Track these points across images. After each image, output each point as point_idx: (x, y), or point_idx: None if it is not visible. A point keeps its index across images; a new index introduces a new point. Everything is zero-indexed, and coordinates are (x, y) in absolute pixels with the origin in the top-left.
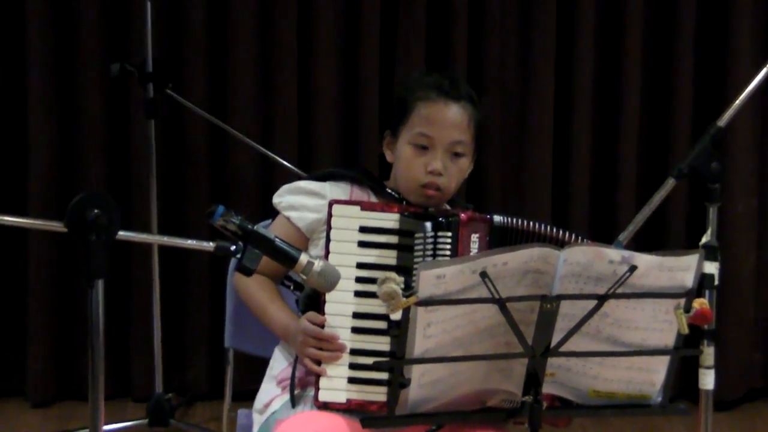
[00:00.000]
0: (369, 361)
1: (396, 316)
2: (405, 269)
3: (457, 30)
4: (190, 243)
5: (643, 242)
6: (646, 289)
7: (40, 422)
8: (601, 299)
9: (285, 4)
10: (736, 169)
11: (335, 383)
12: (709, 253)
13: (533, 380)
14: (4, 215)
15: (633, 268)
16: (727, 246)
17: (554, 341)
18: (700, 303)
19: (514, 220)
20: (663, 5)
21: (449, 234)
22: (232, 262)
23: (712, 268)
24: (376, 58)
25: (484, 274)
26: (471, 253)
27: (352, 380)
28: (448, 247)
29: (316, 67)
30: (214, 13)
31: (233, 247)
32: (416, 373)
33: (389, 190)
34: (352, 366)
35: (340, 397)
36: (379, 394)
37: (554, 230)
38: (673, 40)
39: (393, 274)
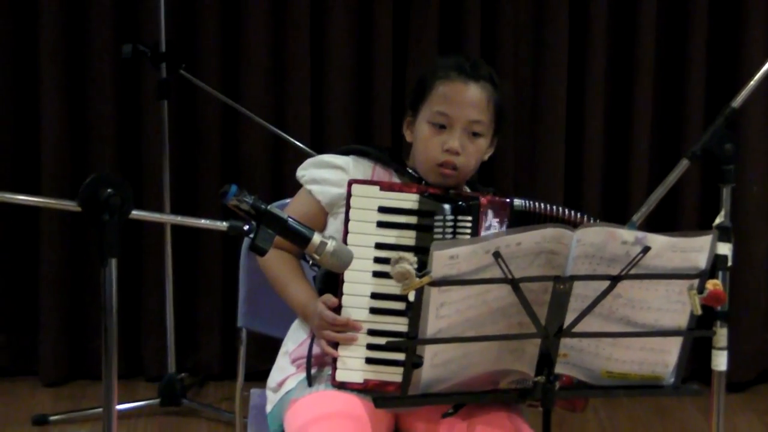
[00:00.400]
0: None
1: (410, 296)
2: (424, 250)
3: (471, 17)
4: (203, 222)
5: (657, 223)
6: (660, 270)
7: (52, 402)
8: (615, 280)
9: None
10: (750, 150)
11: (353, 363)
12: (723, 234)
13: (546, 361)
14: (18, 194)
15: (646, 249)
16: (740, 227)
17: (567, 322)
18: (714, 284)
19: (534, 204)
20: None
21: (469, 218)
22: (245, 241)
23: (725, 249)
24: (390, 43)
25: (497, 255)
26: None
27: (369, 360)
28: (468, 230)
29: (329, 48)
30: None
31: (246, 227)
32: (429, 354)
33: (409, 170)
34: (370, 346)
35: (358, 378)
36: (396, 375)
37: (574, 214)
38: (686, 22)
39: (407, 254)
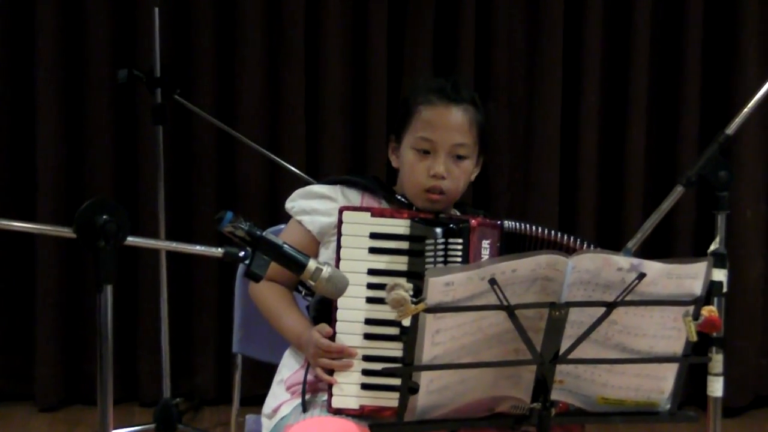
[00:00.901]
0: (381, 367)
1: (405, 322)
2: (416, 275)
3: (465, 37)
4: (199, 249)
5: (652, 250)
6: (655, 296)
7: (48, 427)
8: (610, 306)
9: (292, 11)
10: (744, 176)
11: (349, 389)
12: (718, 261)
13: (542, 387)
14: (13, 221)
15: (641, 276)
16: (735, 253)
17: (563, 348)
18: (709, 311)
19: (525, 226)
20: (670, 13)
21: (460, 240)
22: (241, 268)
23: (720, 275)
24: (384, 64)
25: (492, 281)
26: (482, 259)
27: (365, 386)
28: (459, 253)
29: (323, 73)
30: (221, 19)
31: (242, 253)
32: (425, 380)
33: (398, 197)
34: (365, 372)
35: (354, 404)
36: (392, 400)
37: (564, 237)
38: (680, 48)
39: (402, 281)
